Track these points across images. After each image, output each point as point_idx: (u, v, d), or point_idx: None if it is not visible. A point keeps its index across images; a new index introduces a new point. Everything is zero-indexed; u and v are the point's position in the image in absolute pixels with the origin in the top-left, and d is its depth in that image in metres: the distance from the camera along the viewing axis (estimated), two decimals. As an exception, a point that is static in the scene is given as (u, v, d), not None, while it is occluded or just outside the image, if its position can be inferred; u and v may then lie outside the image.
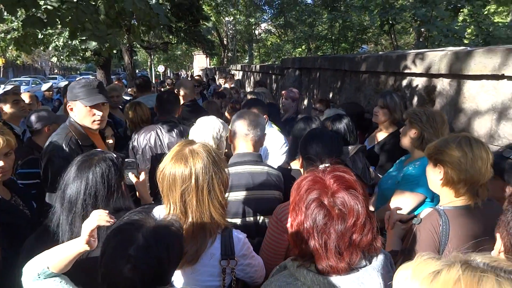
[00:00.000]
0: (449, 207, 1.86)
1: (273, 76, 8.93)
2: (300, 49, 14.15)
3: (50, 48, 13.30)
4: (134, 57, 18.82)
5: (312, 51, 12.56)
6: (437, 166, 1.92)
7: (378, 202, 2.96)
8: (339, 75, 5.43)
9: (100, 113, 2.42)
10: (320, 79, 6.19)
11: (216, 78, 20.18)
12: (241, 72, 13.58)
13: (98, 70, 15.76)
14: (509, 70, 2.54)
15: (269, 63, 14.20)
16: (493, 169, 2.08)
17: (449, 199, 1.90)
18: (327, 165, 2.02)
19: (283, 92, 5.29)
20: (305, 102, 6.78)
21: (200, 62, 33.09)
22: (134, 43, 13.76)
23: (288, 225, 1.28)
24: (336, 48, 11.37)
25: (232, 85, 10.09)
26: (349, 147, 3.11)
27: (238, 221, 2.23)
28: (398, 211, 2.15)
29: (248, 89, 11.97)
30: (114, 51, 12.34)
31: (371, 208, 3.12)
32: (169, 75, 35.48)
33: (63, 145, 2.29)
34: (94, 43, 4.27)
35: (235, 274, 1.47)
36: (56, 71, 53.37)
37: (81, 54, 14.00)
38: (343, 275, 1.17)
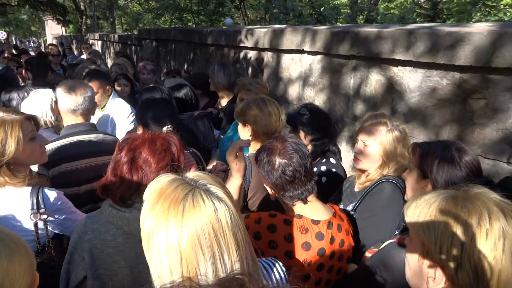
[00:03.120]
0: (253, 154, 2.38)
1: (133, 47, 8.69)
2: (161, 20, 13.85)
3: None
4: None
5: (174, 22, 12.47)
6: (245, 126, 2.41)
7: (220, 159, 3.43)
8: (191, 47, 5.72)
9: None
10: (176, 51, 6.38)
11: (74, 48, 18.19)
12: (100, 42, 12.63)
13: None
14: (307, 46, 3.22)
15: (131, 33, 13.52)
16: (292, 123, 2.71)
17: (254, 148, 2.42)
18: (169, 127, 2.32)
19: (140, 64, 5.33)
20: (164, 72, 6.89)
21: (54, 29, 28.97)
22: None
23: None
24: (196, 20, 11.58)
25: (89, 56, 9.42)
26: (190, 113, 3.48)
27: (79, 189, 2.36)
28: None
29: (108, 61, 11.30)
30: None
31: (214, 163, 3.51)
32: (15, 43, 30.18)
33: None
34: None
35: (49, 228, 1.66)
36: None
37: None
38: None
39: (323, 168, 2.59)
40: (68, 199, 1.96)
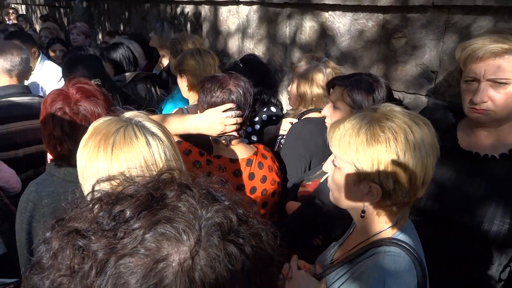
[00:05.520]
0: (192, 106, 2.38)
1: (62, 10, 7.98)
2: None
3: None
4: None
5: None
6: (182, 77, 2.38)
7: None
8: (125, 5, 5.39)
9: None
10: (110, 11, 5.98)
11: (-6, 15, 16.29)
12: (24, 6, 11.43)
13: None
14: (242, -4, 3.17)
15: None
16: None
17: (193, 99, 2.42)
18: (96, 80, 2.23)
19: (70, 27, 4.94)
20: (100, 36, 6.47)
21: (-32, -6, 25.67)
22: None
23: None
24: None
25: (15, 22, 8.55)
26: (127, 74, 3.35)
27: (17, 152, 2.25)
28: None
29: (37, 26, 10.31)
30: None
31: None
32: None
33: None
34: None
35: None
36: None
37: None
38: None
39: (264, 116, 2.67)
40: (8, 163, 1.94)
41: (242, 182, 1.60)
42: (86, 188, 0.94)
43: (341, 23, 2.47)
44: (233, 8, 3.42)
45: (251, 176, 1.62)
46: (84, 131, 1.00)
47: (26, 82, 3.14)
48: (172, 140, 1.02)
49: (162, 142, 0.97)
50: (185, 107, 2.35)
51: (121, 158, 0.91)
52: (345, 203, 1.12)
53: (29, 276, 0.52)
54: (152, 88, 3.73)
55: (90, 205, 0.54)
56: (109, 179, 0.66)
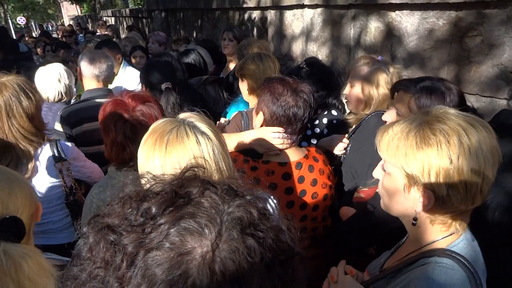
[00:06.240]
0: (251, 109, 2.45)
1: (144, 20, 8.73)
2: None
3: None
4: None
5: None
6: (243, 81, 2.47)
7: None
8: (198, 14, 5.71)
9: None
10: (184, 19, 6.38)
11: (89, 27, 18.38)
12: (113, 19, 12.72)
13: None
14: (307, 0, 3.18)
15: (141, 6, 13.50)
16: (295, 76, 2.74)
17: (253, 103, 2.49)
18: (167, 83, 2.41)
19: (148, 35, 5.39)
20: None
21: (70, 10, 29.36)
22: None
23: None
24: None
25: (106, 33, 9.57)
26: (197, 78, 3.55)
27: (100, 147, 2.53)
28: None
29: (122, 36, 11.41)
30: None
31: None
32: (35, 27, 30.76)
33: None
34: None
35: (72, 174, 1.86)
36: None
37: None
38: None
39: (324, 120, 2.64)
40: (91, 157, 2.16)
41: (291, 185, 1.60)
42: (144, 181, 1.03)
43: (408, 22, 2.35)
44: (298, 12, 3.44)
45: (301, 179, 1.62)
46: (144, 133, 1.10)
47: (110, 86, 3.53)
48: (221, 140, 1.07)
49: (211, 140, 1.03)
50: (245, 110, 2.43)
51: (174, 155, 0.99)
52: (396, 210, 1.07)
53: (70, 268, 0.58)
54: (220, 91, 3.89)
55: (121, 203, 0.58)
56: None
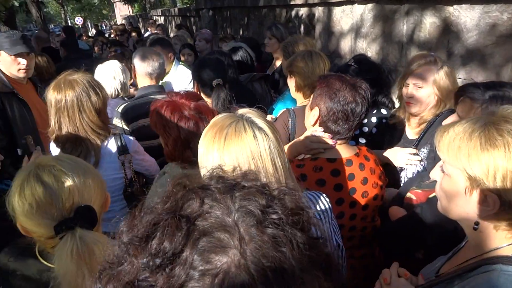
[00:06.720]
0: (298, 107, 2.45)
1: (192, 19, 8.97)
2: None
3: None
4: (43, 10, 17.13)
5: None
6: (291, 77, 2.48)
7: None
8: (244, 11, 5.78)
9: (25, 62, 2.67)
10: (231, 17, 6.48)
11: (140, 26, 19.19)
12: (162, 18, 13.20)
13: (2, 27, 14.29)
14: (357, -5, 3.12)
15: (189, 5, 13.88)
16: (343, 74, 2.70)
17: (300, 101, 2.49)
18: (218, 80, 2.48)
19: (195, 34, 5.54)
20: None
21: (122, 10, 30.80)
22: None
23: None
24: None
25: (154, 31, 9.96)
26: (245, 75, 3.61)
27: (154, 142, 2.65)
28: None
29: (171, 34, 11.81)
30: (16, 3, 11.27)
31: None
32: (90, 27, 32.71)
33: None
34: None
35: (133, 166, 1.97)
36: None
37: (-22, 11, 12.56)
38: None
39: (373, 119, 2.58)
40: (146, 151, 2.25)
41: (340, 181, 1.58)
42: (203, 175, 1.08)
43: (468, 17, 2.23)
44: (347, 8, 3.38)
45: (351, 176, 1.60)
46: (204, 128, 1.15)
47: (160, 82, 3.67)
48: (278, 136, 1.10)
49: (268, 136, 1.05)
50: (292, 108, 2.44)
51: (232, 148, 1.03)
52: (455, 213, 1.04)
53: None
54: (266, 88, 3.92)
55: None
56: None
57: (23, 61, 2.69)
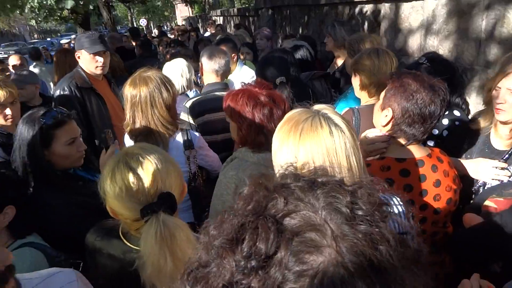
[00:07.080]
0: (363, 106, 2.39)
1: (250, 18, 9.10)
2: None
3: (26, 11, 13.16)
4: (113, 12, 18.44)
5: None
6: (356, 76, 2.42)
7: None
8: (304, 10, 5.73)
9: (101, 59, 2.92)
10: (291, 16, 6.47)
11: (200, 27, 19.89)
12: (221, 18, 13.54)
13: (78, 29, 15.62)
14: (430, -11, 2.95)
15: (248, 5, 14.10)
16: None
17: (365, 100, 2.42)
18: (282, 78, 2.50)
19: (255, 33, 5.61)
20: (280, 40, 7.08)
21: (183, 12, 32.13)
22: (110, -3, 13.56)
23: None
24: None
25: (213, 31, 10.28)
26: (306, 73, 3.59)
27: (217, 137, 2.74)
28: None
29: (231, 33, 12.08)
30: (91, 7, 12.24)
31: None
32: (153, 28, 34.57)
33: (65, 86, 2.86)
34: (70, 1, 4.55)
35: (197, 161, 2.05)
36: (35, 35, 51.69)
37: (59, 14, 13.88)
38: None
39: (445, 121, 2.43)
40: (209, 146, 2.33)
41: (410, 182, 1.52)
42: (277, 168, 1.10)
43: (562, 10, 2.01)
44: (417, 4, 3.21)
45: (422, 177, 1.52)
46: (278, 114, 1.16)
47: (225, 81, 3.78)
48: (354, 135, 1.08)
49: (344, 133, 1.04)
50: (356, 107, 2.38)
51: (307, 143, 1.03)
52: None
53: None
54: (326, 87, 3.87)
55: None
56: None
57: (100, 59, 2.92)
